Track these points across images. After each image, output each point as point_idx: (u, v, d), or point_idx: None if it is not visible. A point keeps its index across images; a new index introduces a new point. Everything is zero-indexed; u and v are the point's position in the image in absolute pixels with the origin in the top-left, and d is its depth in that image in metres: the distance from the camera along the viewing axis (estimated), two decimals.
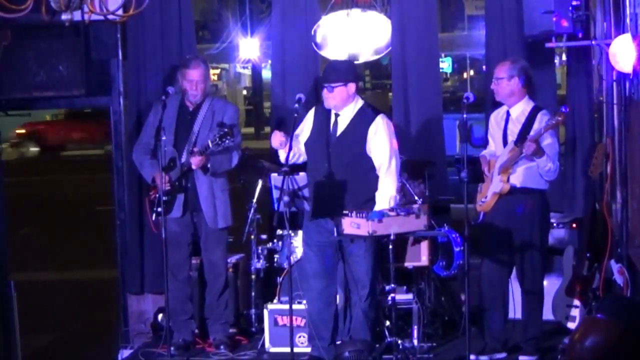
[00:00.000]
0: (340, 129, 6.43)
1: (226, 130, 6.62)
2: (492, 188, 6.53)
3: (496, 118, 6.71)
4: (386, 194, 6.31)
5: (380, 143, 6.36)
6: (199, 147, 6.77)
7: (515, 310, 6.71)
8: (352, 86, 6.40)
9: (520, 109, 6.52)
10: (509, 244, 6.48)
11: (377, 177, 6.37)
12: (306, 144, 6.48)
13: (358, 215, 6.12)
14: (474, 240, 6.44)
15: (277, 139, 6.30)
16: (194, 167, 6.80)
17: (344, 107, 6.41)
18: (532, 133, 6.32)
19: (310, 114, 6.57)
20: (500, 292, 6.61)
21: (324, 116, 6.46)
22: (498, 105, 6.69)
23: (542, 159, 6.30)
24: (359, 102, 6.47)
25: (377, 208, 6.25)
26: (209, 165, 6.82)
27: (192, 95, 6.92)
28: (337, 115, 6.44)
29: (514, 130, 6.51)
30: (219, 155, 6.82)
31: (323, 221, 6.42)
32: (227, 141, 6.62)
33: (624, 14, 6.55)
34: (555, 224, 7.38)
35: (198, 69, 6.90)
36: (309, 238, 6.54)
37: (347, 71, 6.46)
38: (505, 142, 6.55)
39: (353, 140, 6.38)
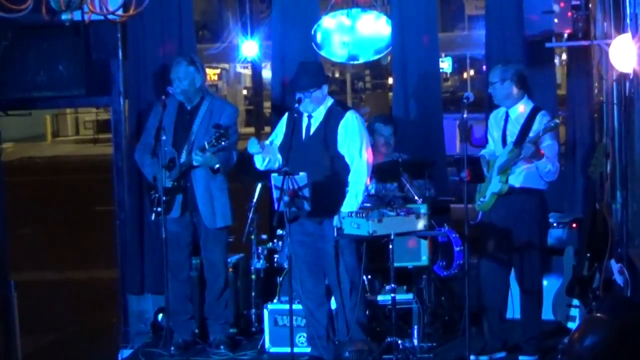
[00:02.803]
0: (312, 130, 6.46)
1: (222, 131, 6.61)
2: (491, 188, 6.54)
3: (496, 118, 6.72)
4: (355, 186, 6.32)
5: (351, 139, 6.38)
6: (196, 148, 6.77)
7: (515, 310, 6.71)
8: (325, 88, 6.46)
9: (520, 110, 6.52)
10: (508, 243, 6.48)
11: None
12: (280, 148, 6.48)
13: (358, 215, 6.13)
14: (474, 240, 6.44)
15: (256, 146, 6.35)
16: (195, 163, 6.80)
17: (317, 108, 6.44)
18: (531, 134, 6.32)
19: (284, 118, 6.58)
20: (498, 291, 6.61)
21: (296, 119, 6.46)
22: (497, 105, 6.69)
23: (541, 161, 6.30)
24: (329, 101, 6.50)
25: (343, 208, 6.27)
26: (217, 166, 6.80)
27: (175, 94, 6.90)
28: (309, 117, 6.47)
29: (513, 131, 6.51)
30: (222, 154, 6.82)
31: (305, 222, 6.43)
32: (223, 142, 6.61)
33: (624, 14, 6.55)
34: (555, 224, 7.38)
35: (178, 67, 6.89)
36: (291, 239, 6.52)
37: (319, 73, 6.52)
38: (504, 143, 6.55)
39: (325, 139, 6.40)
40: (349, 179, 6.35)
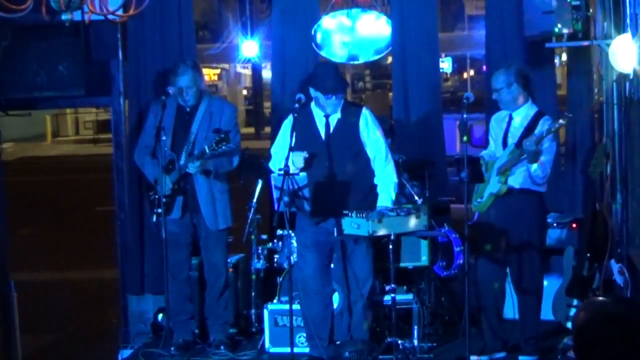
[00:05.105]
0: (332, 128, 6.49)
1: (222, 136, 6.59)
2: (489, 189, 6.53)
3: (497, 120, 6.70)
4: (389, 182, 6.42)
5: (372, 133, 6.48)
6: (197, 152, 6.76)
7: (515, 310, 6.71)
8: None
9: (524, 113, 6.51)
10: (505, 243, 6.47)
11: (372, 170, 6.45)
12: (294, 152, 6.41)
13: (358, 215, 6.13)
14: (473, 240, 6.44)
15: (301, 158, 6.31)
16: (190, 171, 6.80)
17: (337, 110, 6.49)
18: (535, 135, 6.30)
19: (287, 124, 6.50)
20: (495, 291, 6.61)
21: (308, 120, 6.47)
22: (499, 106, 6.67)
23: (534, 165, 6.28)
24: (341, 99, 6.55)
25: (380, 198, 6.34)
26: (211, 169, 6.81)
27: (184, 100, 6.92)
28: (327, 116, 6.47)
29: (514, 134, 6.49)
30: (221, 159, 6.81)
31: (326, 221, 6.43)
32: (223, 147, 6.60)
33: (624, 14, 6.55)
34: (554, 224, 7.38)
35: (185, 76, 6.88)
36: (305, 238, 6.55)
37: (344, 77, 6.76)
38: (504, 145, 6.54)
39: (347, 136, 6.45)
40: (378, 175, 6.43)
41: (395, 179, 6.47)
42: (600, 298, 3.13)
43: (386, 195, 6.40)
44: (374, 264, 6.53)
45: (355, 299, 6.50)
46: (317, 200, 6.29)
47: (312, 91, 6.43)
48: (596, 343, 2.93)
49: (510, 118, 6.56)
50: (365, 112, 6.52)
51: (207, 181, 6.89)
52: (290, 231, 6.55)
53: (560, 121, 6.23)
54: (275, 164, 6.44)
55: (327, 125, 6.48)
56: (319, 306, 6.57)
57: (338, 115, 6.48)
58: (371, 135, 6.46)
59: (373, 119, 6.52)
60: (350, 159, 6.42)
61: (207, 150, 6.63)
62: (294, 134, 6.29)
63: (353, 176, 6.41)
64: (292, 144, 6.28)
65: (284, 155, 6.28)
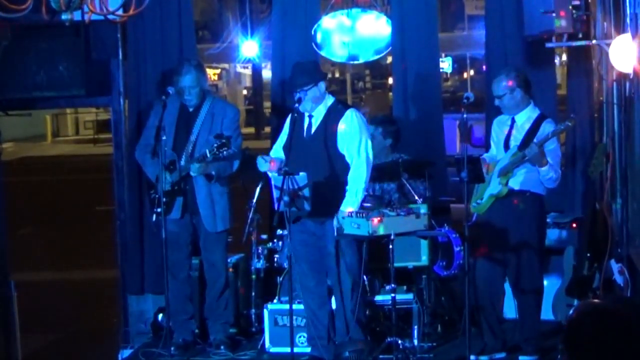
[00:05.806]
0: (313, 129, 6.46)
1: (224, 141, 6.58)
2: (490, 190, 6.52)
3: (499, 123, 6.68)
4: (353, 185, 6.29)
5: (350, 137, 6.36)
6: (198, 156, 6.76)
7: (515, 310, 6.71)
8: (322, 85, 6.46)
9: (526, 116, 6.50)
10: (504, 244, 6.47)
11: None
12: (284, 149, 6.45)
13: (358, 215, 6.13)
14: (474, 240, 6.44)
15: (265, 164, 6.36)
16: (192, 174, 6.80)
17: (317, 107, 6.43)
18: (535, 140, 6.29)
19: (287, 121, 6.57)
20: (494, 291, 6.61)
21: (298, 120, 6.46)
22: (501, 111, 6.65)
23: (543, 168, 6.27)
24: (330, 100, 6.50)
25: (343, 207, 6.24)
26: (213, 173, 6.81)
27: (186, 100, 6.92)
28: (310, 116, 6.46)
29: (517, 137, 6.47)
30: (222, 162, 6.81)
31: (307, 221, 6.42)
32: (224, 152, 6.59)
33: (624, 14, 6.55)
34: (554, 224, 7.37)
35: (189, 75, 6.87)
36: (292, 239, 6.53)
37: (315, 71, 6.56)
38: (506, 148, 6.52)
39: (325, 138, 6.39)
40: (348, 178, 6.34)
41: (360, 184, 6.26)
42: (595, 300, 3.14)
43: (350, 198, 6.27)
44: (356, 265, 6.43)
45: (342, 300, 6.49)
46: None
47: None
48: (586, 338, 2.92)
49: (513, 121, 6.54)
50: (349, 113, 6.40)
51: (207, 183, 6.88)
52: None
53: (567, 123, 6.22)
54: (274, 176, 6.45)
55: (309, 125, 6.47)
56: (314, 304, 6.57)
57: (322, 115, 6.46)
58: (348, 138, 6.35)
59: (357, 121, 6.38)
60: (325, 161, 6.36)
61: (208, 155, 6.63)
62: (288, 130, 6.33)
63: (328, 179, 6.33)
64: (285, 143, 6.38)
65: (278, 153, 6.30)
